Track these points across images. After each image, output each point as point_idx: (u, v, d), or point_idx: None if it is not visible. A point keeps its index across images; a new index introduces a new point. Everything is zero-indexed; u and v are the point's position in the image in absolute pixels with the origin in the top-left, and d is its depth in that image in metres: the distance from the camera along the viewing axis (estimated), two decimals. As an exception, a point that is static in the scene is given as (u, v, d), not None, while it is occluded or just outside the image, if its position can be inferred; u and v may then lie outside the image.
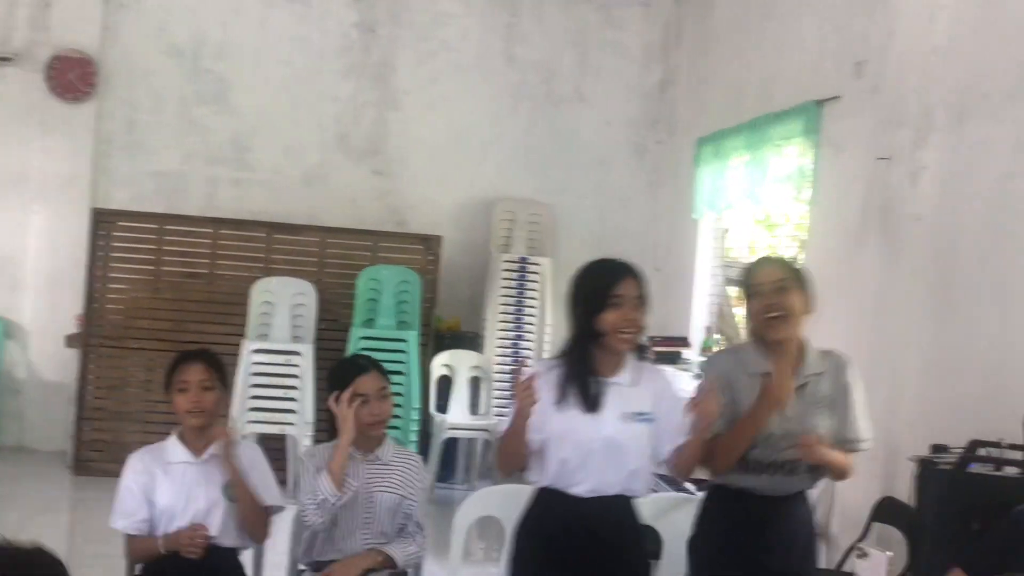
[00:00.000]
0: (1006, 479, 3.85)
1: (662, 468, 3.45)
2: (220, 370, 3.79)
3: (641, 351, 3.41)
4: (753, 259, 3.56)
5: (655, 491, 4.40)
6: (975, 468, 3.91)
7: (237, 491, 3.65)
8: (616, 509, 3.31)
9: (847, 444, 3.35)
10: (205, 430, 3.72)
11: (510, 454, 3.33)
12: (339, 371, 3.85)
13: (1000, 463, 3.90)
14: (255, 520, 3.72)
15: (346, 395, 3.65)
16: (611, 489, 3.28)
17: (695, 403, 3.18)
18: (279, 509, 3.80)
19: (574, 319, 3.35)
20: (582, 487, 3.27)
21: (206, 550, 3.54)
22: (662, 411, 3.32)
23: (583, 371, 3.29)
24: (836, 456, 3.29)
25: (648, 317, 3.32)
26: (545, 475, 3.32)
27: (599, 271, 3.36)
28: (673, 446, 3.31)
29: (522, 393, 3.16)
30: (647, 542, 3.51)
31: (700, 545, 3.50)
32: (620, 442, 3.27)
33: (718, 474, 3.42)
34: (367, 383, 3.71)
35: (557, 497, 3.30)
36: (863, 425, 3.38)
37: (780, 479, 3.33)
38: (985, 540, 3.37)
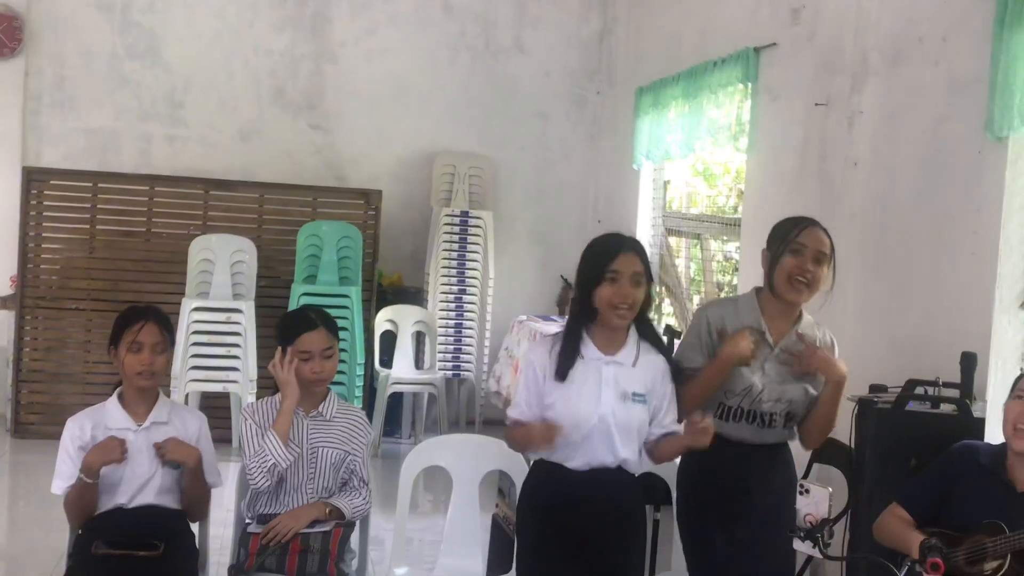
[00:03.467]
0: (942, 416, 3.92)
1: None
2: (171, 331, 3.74)
3: (645, 330, 3.37)
4: (799, 216, 3.57)
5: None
6: (912, 406, 3.97)
7: (190, 478, 3.62)
8: (611, 481, 3.31)
9: None
10: (148, 392, 3.67)
11: (521, 444, 3.38)
12: (287, 324, 3.81)
13: (937, 401, 3.97)
14: (200, 500, 3.70)
15: (286, 358, 3.63)
16: (605, 463, 3.29)
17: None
18: (217, 485, 3.77)
19: (575, 293, 3.36)
20: (576, 461, 3.28)
21: (125, 449, 3.50)
22: (656, 395, 3.33)
23: (572, 345, 3.28)
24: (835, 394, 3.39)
25: (645, 294, 3.28)
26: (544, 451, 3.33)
27: (599, 245, 3.34)
28: (659, 431, 3.36)
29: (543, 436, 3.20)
30: (643, 514, 3.52)
31: (682, 489, 3.58)
32: (615, 421, 3.26)
33: (687, 413, 3.47)
34: (312, 340, 3.68)
35: (554, 469, 3.30)
36: None
37: (756, 429, 3.41)
38: (923, 476, 3.45)
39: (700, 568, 3.55)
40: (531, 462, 3.48)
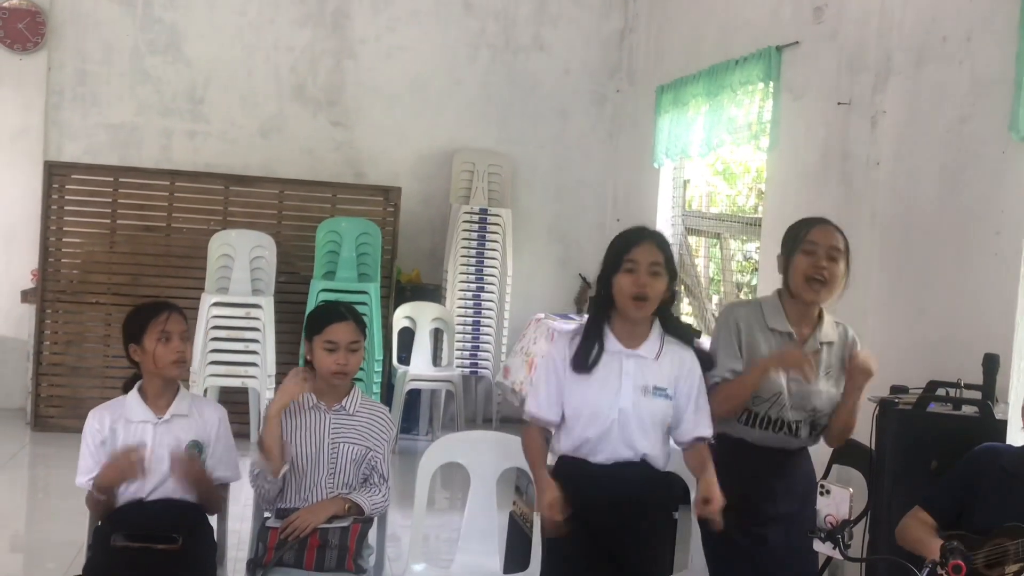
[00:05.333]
0: (964, 418, 3.89)
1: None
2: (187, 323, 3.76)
3: (670, 324, 3.34)
4: (811, 217, 3.55)
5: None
6: (934, 408, 3.95)
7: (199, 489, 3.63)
8: (635, 476, 3.29)
9: None
10: (170, 385, 3.68)
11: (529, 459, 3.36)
12: (316, 314, 3.83)
13: (958, 403, 3.94)
14: (212, 499, 3.71)
15: (298, 371, 3.64)
16: (627, 458, 3.27)
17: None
18: (235, 479, 3.78)
19: (599, 283, 3.33)
20: (600, 456, 3.27)
21: (143, 468, 3.47)
22: (682, 391, 3.29)
23: (594, 337, 3.26)
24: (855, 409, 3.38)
25: (667, 286, 3.25)
26: (566, 446, 3.31)
27: (621, 236, 3.33)
28: (691, 434, 3.30)
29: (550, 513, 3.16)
30: (669, 504, 3.48)
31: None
32: (636, 415, 3.24)
33: (719, 419, 3.43)
34: (340, 332, 3.68)
35: (578, 465, 3.29)
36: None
37: (782, 437, 3.38)
38: (945, 479, 3.42)
39: (720, 567, 3.52)
40: (556, 457, 3.45)
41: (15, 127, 7.99)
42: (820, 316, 3.45)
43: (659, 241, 3.28)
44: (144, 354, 3.62)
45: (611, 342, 3.28)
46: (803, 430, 3.42)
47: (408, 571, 3.87)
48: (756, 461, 3.42)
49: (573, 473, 3.30)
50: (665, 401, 3.27)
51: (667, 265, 3.25)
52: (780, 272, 3.50)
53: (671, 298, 3.31)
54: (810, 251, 3.36)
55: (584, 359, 3.24)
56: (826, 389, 3.40)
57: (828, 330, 3.43)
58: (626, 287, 3.21)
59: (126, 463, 3.47)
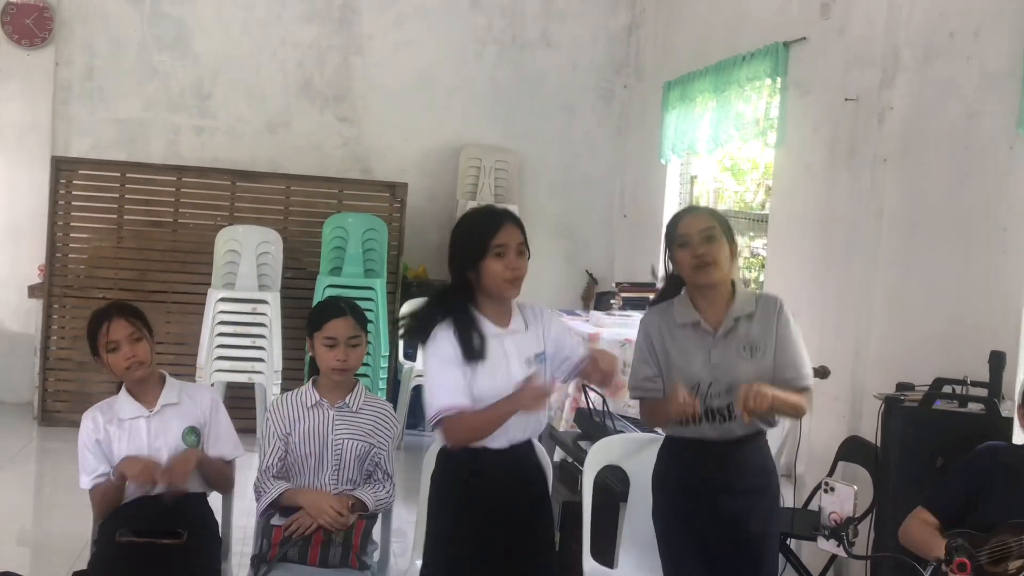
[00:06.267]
0: (970, 415, 3.88)
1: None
2: (141, 318, 3.72)
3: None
4: (677, 212, 3.55)
5: (622, 432, 4.43)
6: (940, 405, 3.94)
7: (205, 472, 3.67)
8: (525, 456, 3.31)
9: (790, 383, 3.29)
10: (149, 380, 3.69)
11: (479, 435, 3.20)
12: (316, 311, 3.84)
13: (964, 400, 3.93)
14: (217, 478, 3.73)
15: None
16: (521, 436, 3.27)
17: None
18: (238, 454, 3.79)
19: (455, 271, 3.28)
20: (499, 441, 3.22)
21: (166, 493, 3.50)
22: (552, 342, 3.31)
23: (467, 325, 3.20)
24: (785, 397, 3.20)
25: (527, 263, 3.25)
26: None
27: (479, 220, 3.29)
28: (570, 365, 3.33)
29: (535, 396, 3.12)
30: (547, 482, 3.51)
31: (656, 491, 3.52)
32: None
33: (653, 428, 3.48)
34: (338, 327, 3.68)
35: (469, 453, 3.22)
36: (804, 363, 3.36)
37: (720, 426, 3.34)
38: (947, 479, 3.41)
39: (674, 559, 3.48)
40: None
41: (22, 122, 8.00)
42: (732, 294, 3.41)
43: (516, 220, 3.27)
44: (106, 366, 3.65)
45: (487, 325, 3.23)
46: (737, 411, 3.34)
47: (413, 566, 3.87)
48: (702, 454, 3.38)
49: (466, 459, 3.24)
50: (544, 364, 3.29)
51: (526, 242, 3.26)
52: (674, 272, 3.46)
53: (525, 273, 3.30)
54: (684, 243, 3.35)
55: (471, 348, 3.18)
56: (748, 365, 3.31)
57: (742, 304, 3.37)
58: (500, 272, 3.18)
59: (149, 470, 3.50)
